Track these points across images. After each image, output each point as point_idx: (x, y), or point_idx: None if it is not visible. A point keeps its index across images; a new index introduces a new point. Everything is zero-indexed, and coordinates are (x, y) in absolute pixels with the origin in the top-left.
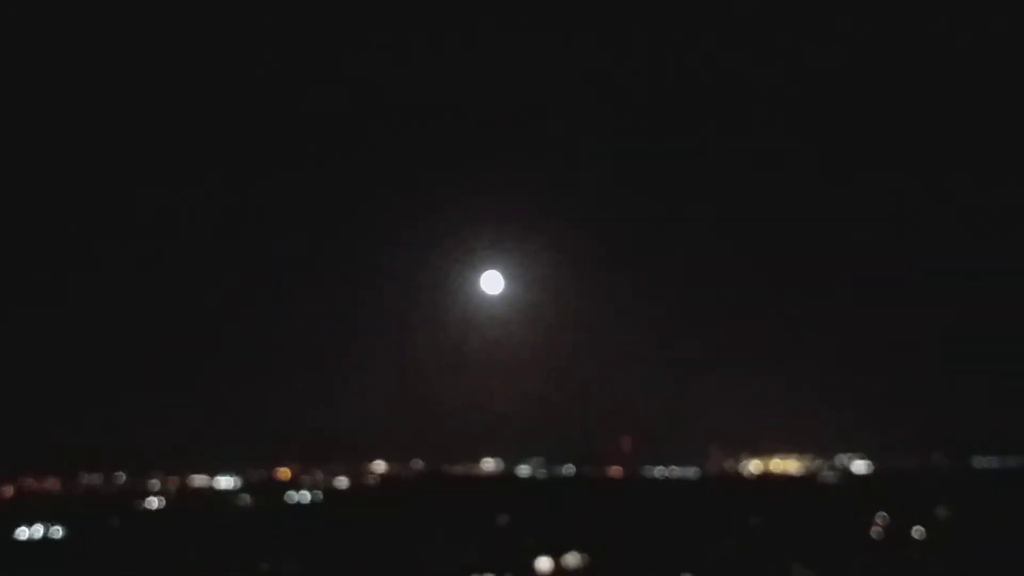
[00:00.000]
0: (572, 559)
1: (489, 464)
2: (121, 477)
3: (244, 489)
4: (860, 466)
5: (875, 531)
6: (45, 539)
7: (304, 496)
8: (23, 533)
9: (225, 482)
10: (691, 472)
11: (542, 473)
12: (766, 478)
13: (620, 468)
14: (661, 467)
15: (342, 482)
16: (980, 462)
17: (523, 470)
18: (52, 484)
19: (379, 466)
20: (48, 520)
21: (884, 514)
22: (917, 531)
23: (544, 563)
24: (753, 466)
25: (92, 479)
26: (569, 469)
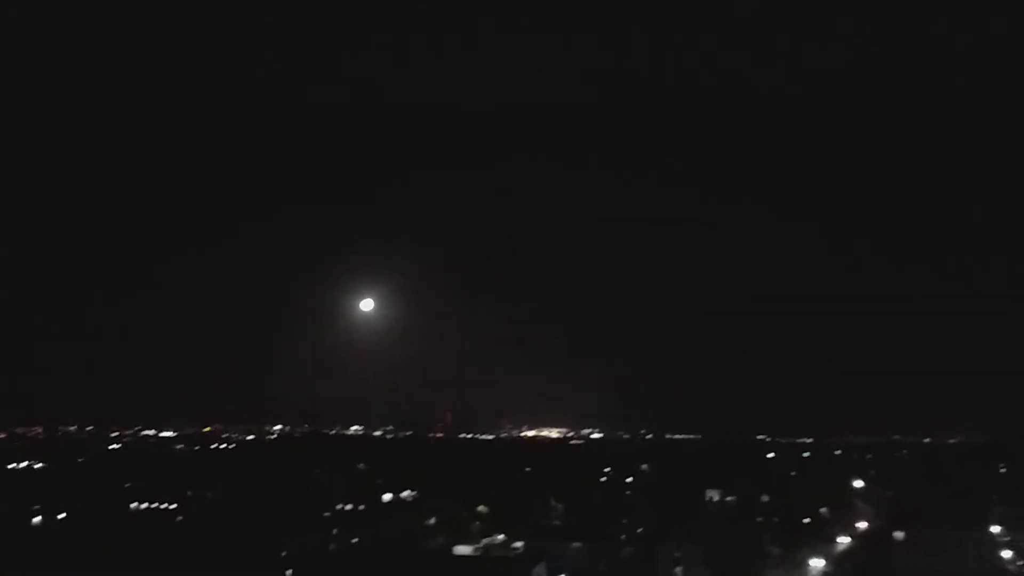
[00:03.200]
0: (407, 494)
1: (354, 428)
2: (90, 428)
3: (179, 439)
4: (597, 435)
5: (604, 477)
6: (29, 469)
7: (222, 446)
8: (13, 465)
9: (166, 434)
10: (488, 436)
11: (391, 435)
12: (535, 440)
13: (443, 433)
14: (469, 433)
15: (250, 437)
16: (671, 436)
17: (377, 433)
18: (38, 432)
19: (277, 427)
20: (33, 457)
21: (608, 468)
22: (629, 478)
23: (387, 496)
24: (528, 433)
25: (68, 429)
26: (409, 433)
